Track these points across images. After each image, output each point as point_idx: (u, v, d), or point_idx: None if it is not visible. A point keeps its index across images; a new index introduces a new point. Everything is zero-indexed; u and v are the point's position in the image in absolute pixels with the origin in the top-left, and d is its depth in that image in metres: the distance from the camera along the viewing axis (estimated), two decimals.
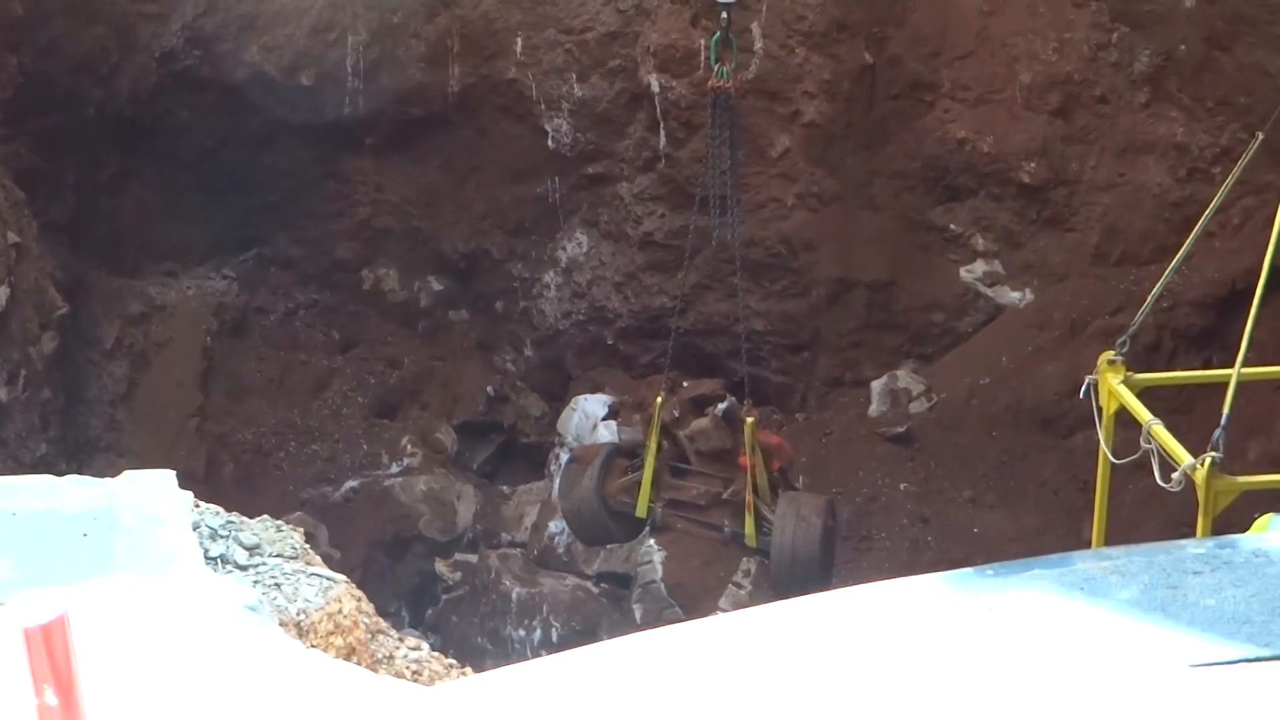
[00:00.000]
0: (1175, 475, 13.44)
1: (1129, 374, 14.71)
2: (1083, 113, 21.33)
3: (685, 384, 19.10)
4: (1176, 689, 4.19)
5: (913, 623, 4.64)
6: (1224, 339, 19.46)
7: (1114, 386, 14.51)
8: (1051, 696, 4.20)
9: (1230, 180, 15.20)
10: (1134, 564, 4.81)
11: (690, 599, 18.76)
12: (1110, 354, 14.89)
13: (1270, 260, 13.88)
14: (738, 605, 18.30)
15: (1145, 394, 14.56)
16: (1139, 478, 15.81)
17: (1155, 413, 13.99)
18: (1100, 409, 14.71)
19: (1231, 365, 14.02)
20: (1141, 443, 13.91)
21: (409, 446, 22.54)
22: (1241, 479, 13.84)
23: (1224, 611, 4.48)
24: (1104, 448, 14.68)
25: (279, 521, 7.84)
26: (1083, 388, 15.02)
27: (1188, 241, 15.30)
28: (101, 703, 4.93)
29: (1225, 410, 13.52)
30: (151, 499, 7.36)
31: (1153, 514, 17.41)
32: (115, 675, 5.65)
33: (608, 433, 20.58)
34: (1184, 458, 13.35)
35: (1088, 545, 18.36)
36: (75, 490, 7.52)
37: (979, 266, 22.10)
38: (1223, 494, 13.44)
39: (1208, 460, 13.20)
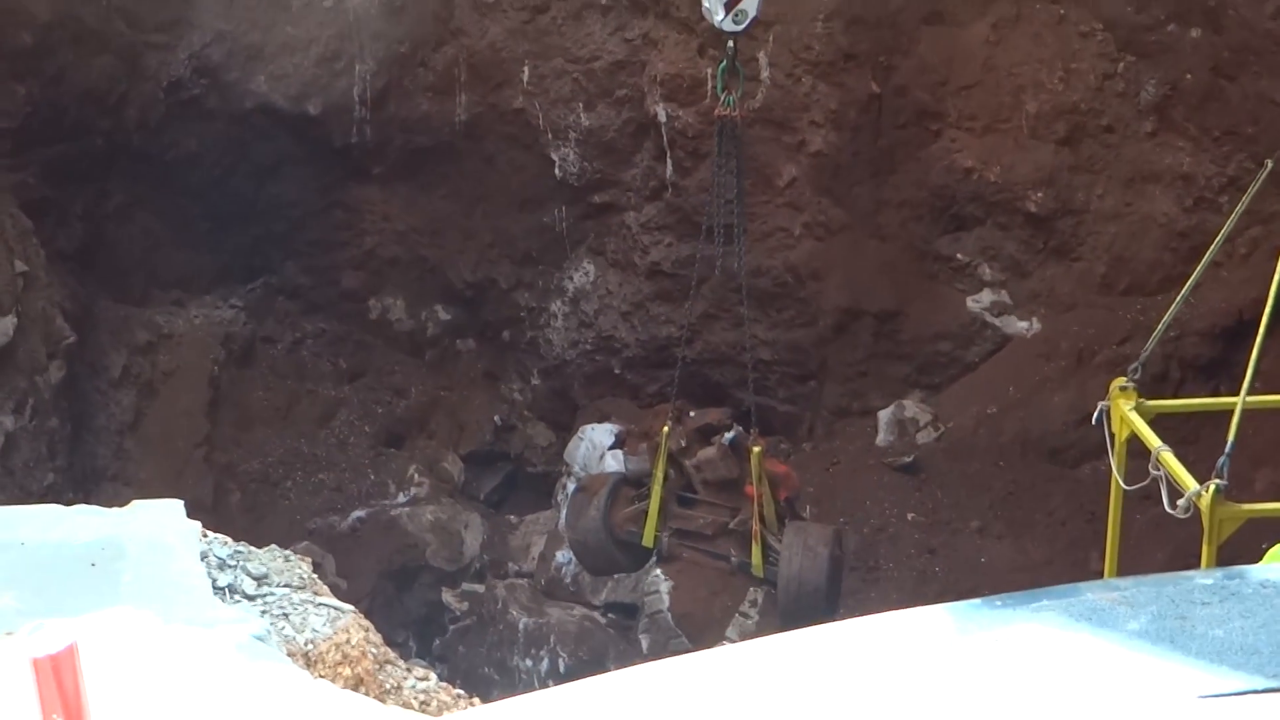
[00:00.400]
0: (1181, 502, 13.44)
1: (1140, 401, 14.71)
2: (1089, 142, 21.34)
3: (692, 413, 19.08)
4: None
5: (920, 654, 4.64)
6: (1231, 369, 19.43)
7: (1125, 413, 14.50)
8: None
9: (1239, 209, 15.20)
10: (1142, 595, 4.80)
11: (697, 629, 18.74)
12: (1122, 381, 14.90)
13: (1276, 290, 13.87)
14: (745, 635, 18.29)
15: (1154, 423, 14.54)
16: (1147, 507, 15.81)
17: (1164, 441, 13.98)
18: (1112, 436, 14.69)
19: (1238, 392, 14.00)
20: (1150, 470, 13.90)
21: (416, 476, 22.55)
22: (1246, 507, 13.82)
23: (1232, 642, 4.47)
24: (1116, 475, 14.66)
25: (286, 551, 7.85)
26: (1094, 414, 15.01)
27: (1197, 270, 15.29)
28: None
29: (1230, 438, 13.52)
30: (159, 529, 7.37)
31: (1161, 543, 17.40)
32: (123, 705, 5.65)
33: (615, 462, 20.56)
34: (1191, 485, 13.35)
35: (1095, 576, 18.33)
36: (83, 520, 7.53)
37: (986, 296, 22.10)
38: (1227, 522, 13.43)
39: (1211, 487, 13.19)
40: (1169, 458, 13.69)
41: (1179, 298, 15.50)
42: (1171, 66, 20.92)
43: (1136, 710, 4.23)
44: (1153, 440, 13.96)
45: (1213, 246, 15.20)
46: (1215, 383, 20.67)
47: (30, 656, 4.38)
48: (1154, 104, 21.09)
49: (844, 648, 4.76)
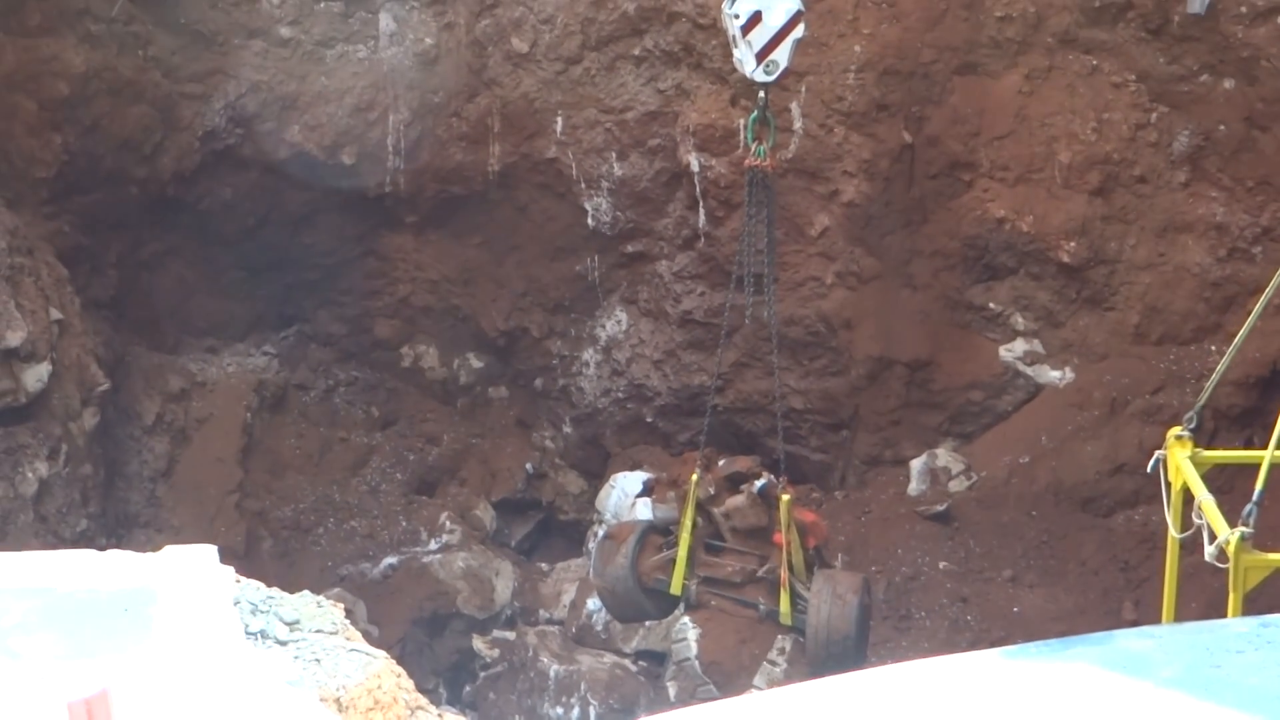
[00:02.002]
0: (1210, 549, 13.42)
1: (1197, 451, 14.69)
2: (1122, 192, 21.33)
3: (721, 461, 19.04)
4: None
5: (953, 701, 4.63)
6: (1265, 418, 19.33)
7: (1178, 461, 14.48)
8: None
9: None
10: (1177, 642, 4.79)
11: (725, 677, 18.69)
12: (1178, 430, 14.89)
13: None
14: (773, 683, 18.23)
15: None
16: (1185, 554, 15.71)
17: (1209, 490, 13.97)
18: (1168, 485, 14.66)
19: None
20: (1194, 518, 13.87)
21: (448, 523, 22.55)
22: (1273, 556, 13.77)
23: (1268, 690, 4.46)
24: (1170, 524, 14.60)
25: (319, 597, 7.85)
26: (1150, 463, 15.00)
27: (1250, 317, 15.25)
28: None
29: (1259, 487, 13.48)
30: (192, 574, 7.38)
31: (1198, 592, 17.29)
32: None
33: (644, 510, 20.53)
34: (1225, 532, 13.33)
35: (1128, 625, 18.24)
36: (116, 565, 7.54)
37: (1019, 345, 22.07)
38: (1253, 570, 13.38)
39: (1236, 535, 13.16)
40: (1209, 506, 13.65)
41: (1232, 347, 15.49)
42: (1204, 117, 20.92)
43: None
44: (1199, 489, 13.93)
45: (1265, 294, 15.18)
46: (1249, 432, 20.61)
47: (65, 700, 4.39)
48: (1187, 154, 21.08)
49: (875, 695, 4.75)
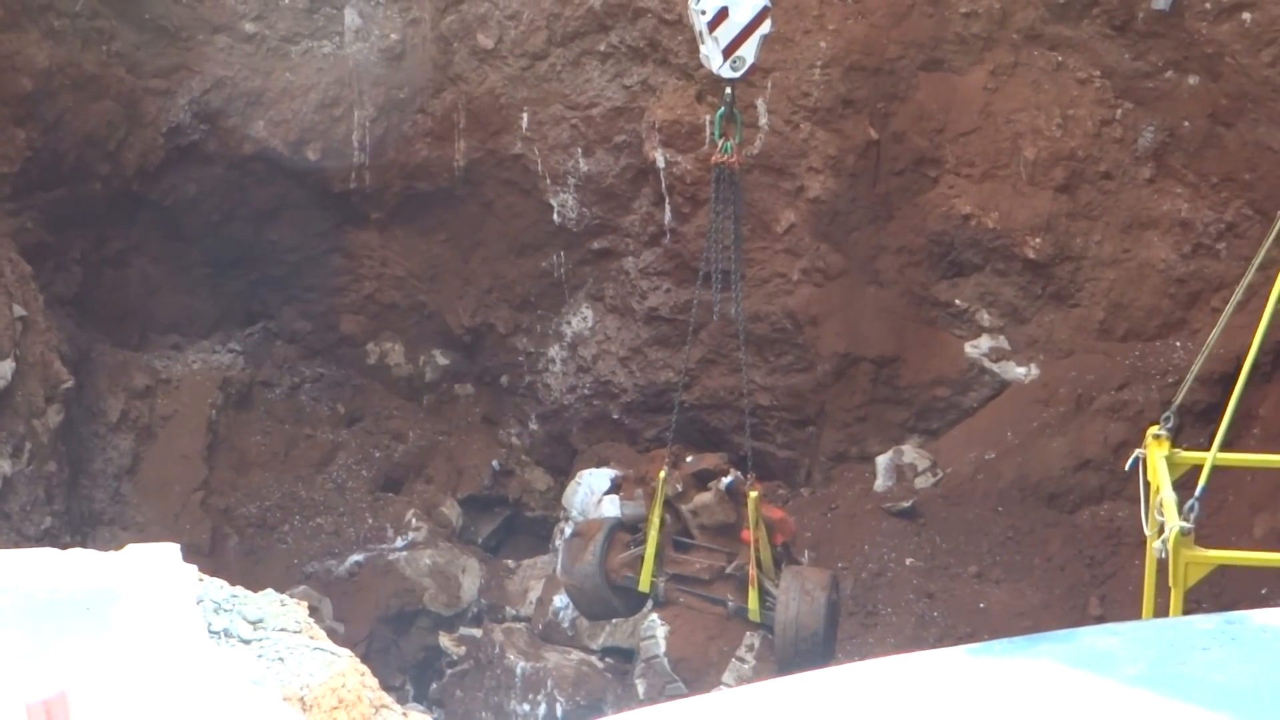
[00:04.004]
0: (1156, 544, 13.50)
1: (1175, 450, 14.76)
2: (1087, 188, 21.37)
3: (689, 458, 19.05)
4: None
5: (920, 698, 4.62)
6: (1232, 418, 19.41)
7: (1150, 459, 14.56)
8: None
9: (1259, 257, 15.28)
10: (1142, 639, 4.79)
11: (693, 674, 18.68)
12: (1156, 429, 14.96)
13: (1260, 340, 13.98)
14: (741, 680, 18.24)
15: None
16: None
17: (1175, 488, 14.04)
18: (1148, 484, 14.73)
19: (1236, 441, 14.07)
20: (1155, 515, 13.93)
21: (414, 520, 22.52)
22: (1214, 553, 13.87)
23: (1232, 688, 4.46)
24: (1147, 526, 14.64)
25: (283, 595, 7.82)
26: (1129, 461, 15.08)
27: (1225, 311, 15.36)
28: None
29: (1201, 483, 13.57)
30: (155, 573, 7.35)
31: (1164, 589, 17.31)
32: None
33: (611, 507, 20.53)
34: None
35: (1094, 621, 18.29)
36: (78, 564, 7.51)
37: (984, 342, 22.10)
38: (1194, 566, 13.45)
39: (1175, 530, 13.21)
40: (1170, 503, 13.71)
41: (1207, 343, 15.59)
42: (1169, 113, 20.97)
43: None
44: (1165, 485, 13.99)
45: (1237, 292, 15.27)
46: (1213, 428, 20.64)
47: (24, 701, 4.36)
48: (1152, 151, 21.12)
49: (842, 692, 4.74)
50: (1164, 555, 13.45)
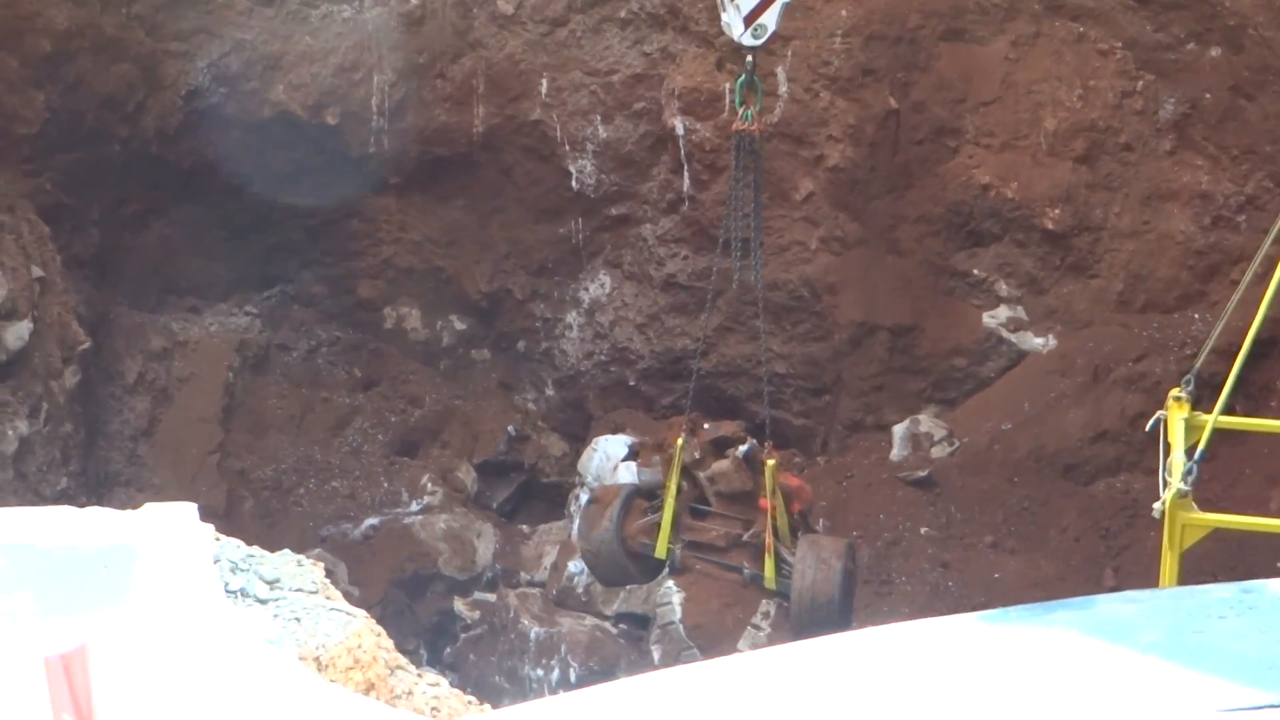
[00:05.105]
0: (1156, 505, 13.52)
1: (1194, 414, 14.78)
2: (1107, 160, 21.31)
3: (706, 426, 19.07)
4: None
5: (934, 664, 4.61)
6: (1246, 387, 19.39)
7: (1170, 421, 14.58)
8: None
9: (1276, 229, 15.25)
10: (1159, 608, 4.78)
11: (709, 641, 18.70)
12: (1177, 391, 14.97)
13: (1264, 311, 13.98)
14: (756, 648, 18.25)
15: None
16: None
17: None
18: (1168, 445, 14.72)
19: (1256, 414, 14.07)
20: (1164, 477, 13.93)
21: (429, 485, 22.53)
22: (1210, 516, 13.87)
23: (1250, 656, 4.44)
24: (1167, 480, 14.63)
25: (299, 556, 7.82)
26: (1150, 423, 15.09)
27: (1241, 284, 15.35)
28: None
29: (1201, 446, 13.58)
30: (173, 532, 7.35)
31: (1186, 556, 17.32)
32: (134, 707, 5.63)
33: (628, 474, 20.53)
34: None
35: (1109, 592, 18.26)
36: (96, 523, 7.51)
37: (1002, 312, 22.06)
38: (1190, 529, 13.46)
39: (1171, 492, 13.22)
40: (1177, 464, 13.72)
41: (1224, 315, 15.57)
42: (1190, 85, 20.90)
43: None
44: (1178, 448, 14.01)
45: (1253, 263, 15.24)
46: (1230, 401, 20.61)
47: (42, 656, 4.37)
48: (1172, 122, 21.06)
49: (856, 658, 4.73)
50: (1160, 516, 13.51)
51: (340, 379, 23.81)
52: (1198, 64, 20.86)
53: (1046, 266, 21.82)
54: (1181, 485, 13.34)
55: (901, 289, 22.22)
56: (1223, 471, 18.78)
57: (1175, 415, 14.73)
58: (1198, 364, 15.55)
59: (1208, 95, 20.85)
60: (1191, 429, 14.57)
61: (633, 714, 4.52)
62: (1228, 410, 19.93)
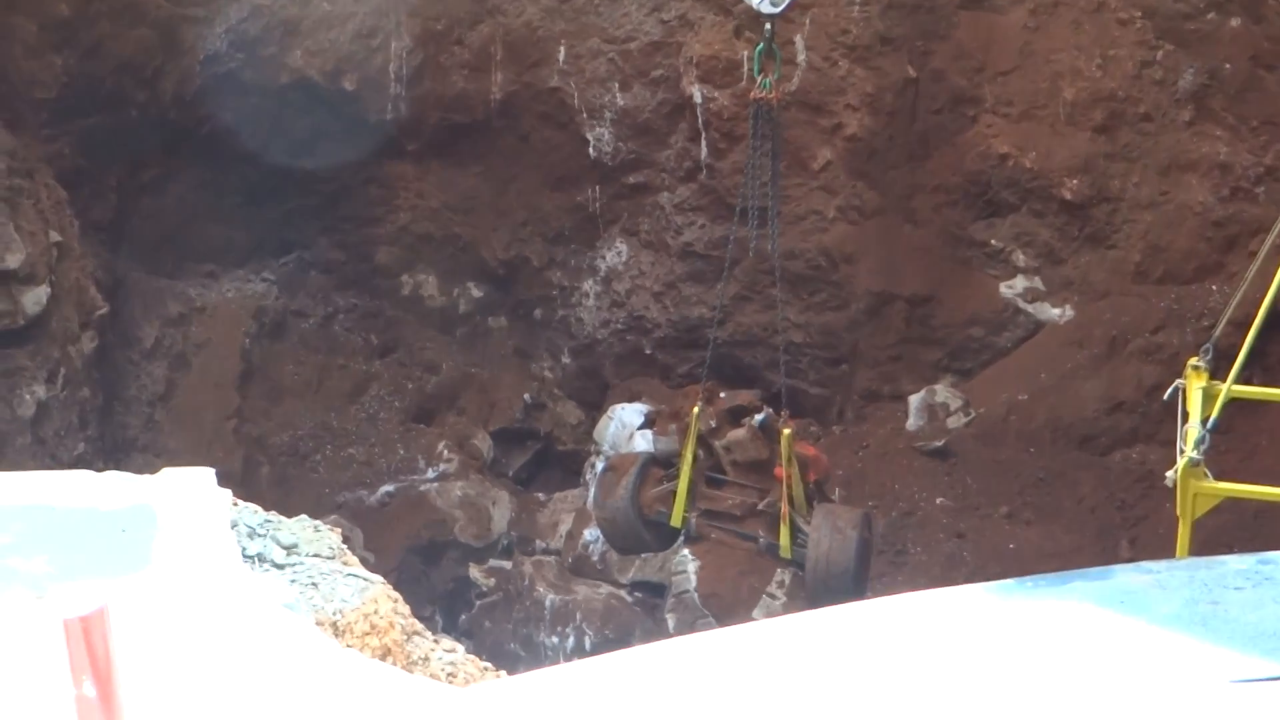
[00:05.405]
0: (1169, 474, 13.54)
1: (1212, 383, 14.79)
2: (1126, 130, 21.26)
3: (722, 394, 19.07)
4: (1216, 705, 4.16)
5: (950, 633, 4.62)
6: (1264, 359, 19.37)
7: (1187, 389, 14.60)
8: (1089, 711, 4.18)
9: None
10: (1175, 578, 4.78)
11: (724, 609, 18.73)
12: (1195, 360, 14.99)
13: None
14: (771, 616, 18.28)
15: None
16: None
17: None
18: (1186, 414, 14.74)
19: (1271, 384, 14.07)
20: (1179, 445, 13.95)
21: (445, 452, 22.56)
22: (1223, 485, 13.89)
23: (1266, 627, 4.45)
24: (1182, 449, 14.65)
25: (316, 522, 7.84)
26: (1169, 391, 15.10)
27: (1259, 255, 15.33)
28: (138, 696, 4.94)
29: (1214, 415, 13.59)
30: (190, 496, 7.38)
31: (1197, 527, 17.30)
32: (152, 669, 5.66)
33: (644, 442, 20.55)
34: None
35: (1124, 563, 18.26)
36: (114, 486, 7.53)
37: (1019, 282, 22.03)
38: (1202, 498, 13.47)
39: (1184, 460, 13.23)
40: (1190, 431, 13.74)
41: (1243, 283, 15.57)
42: (1210, 55, 20.83)
43: (1168, 694, 4.21)
44: (1195, 415, 14.03)
45: (1271, 234, 15.23)
46: (1248, 372, 20.56)
47: (61, 618, 4.39)
48: (1192, 93, 21.00)
49: (871, 627, 4.74)
50: (1173, 485, 13.52)
51: (357, 345, 23.84)
52: (1218, 34, 20.79)
53: (1064, 237, 21.78)
54: (1193, 454, 13.35)
55: (919, 259, 22.19)
56: (1239, 444, 18.76)
57: (1193, 384, 14.73)
58: (1216, 333, 15.53)
59: (1227, 66, 20.78)
60: (1209, 398, 14.58)
61: (647, 682, 4.53)
62: (1244, 381, 19.97)
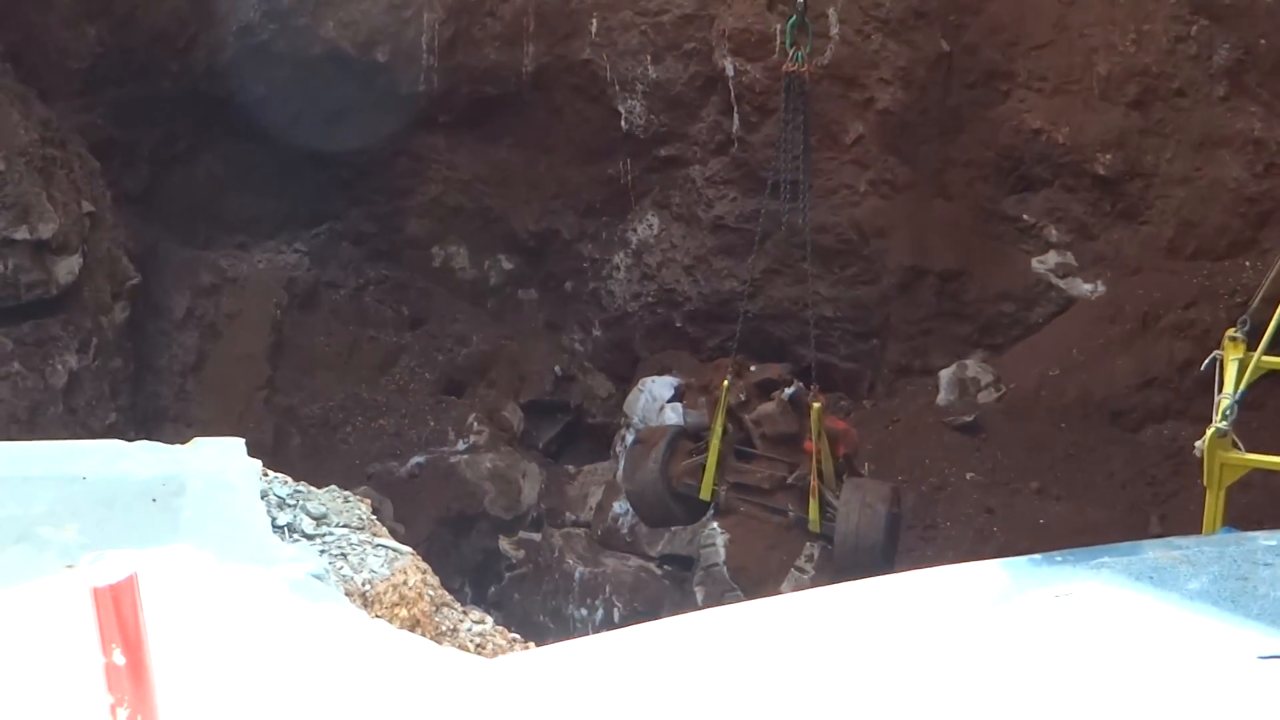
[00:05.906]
0: (1198, 443, 13.55)
1: (1249, 353, 14.78)
2: (1160, 105, 21.17)
3: (752, 368, 19.04)
4: (1243, 680, 4.16)
5: (979, 607, 4.62)
6: None
7: (1224, 360, 14.61)
8: (1118, 685, 4.18)
9: None
10: (1204, 554, 4.78)
11: (752, 582, 18.73)
12: (1233, 331, 14.98)
13: None
14: (800, 590, 18.27)
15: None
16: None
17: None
18: (1222, 384, 14.73)
19: None
20: (1215, 418, 13.95)
21: (475, 424, 22.59)
22: (1249, 455, 13.88)
23: None
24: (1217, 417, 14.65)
25: (346, 492, 7.86)
26: (1205, 362, 15.09)
27: None
28: (168, 664, 4.96)
29: (1242, 386, 13.58)
30: (220, 466, 7.40)
31: (1228, 504, 17.28)
32: (181, 638, 5.68)
33: (673, 415, 20.55)
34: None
35: (1155, 538, 18.21)
36: (145, 456, 7.56)
37: (1051, 258, 21.97)
38: (1229, 468, 13.47)
39: (1211, 430, 13.23)
40: (1224, 404, 13.73)
41: (1278, 259, 15.53)
42: (1245, 30, 20.72)
43: (1195, 669, 4.21)
44: (1229, 387, 14.03)
45: None
46: None
47: (91, 586, 4.40)
48: (1226, 68, 20.89)
49: (899, 601, 4.75)
50: (1200, 455, 13.55)
51: (388, 317, 23.88)
52: (1253, 9, 20.68)
53: (1097, 212, 21.71)
54: (1221, 424, 13.35)
55: (950, 233, 22.14)
56: (1273, 419, 18.66)
57: (1230, 355, 14.73)
58: (1253, 304, 15.49)
59: (1262, 41, 20.67)
60: (1244, 369, 14.58)
61: (676, 654, 4.54)
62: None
